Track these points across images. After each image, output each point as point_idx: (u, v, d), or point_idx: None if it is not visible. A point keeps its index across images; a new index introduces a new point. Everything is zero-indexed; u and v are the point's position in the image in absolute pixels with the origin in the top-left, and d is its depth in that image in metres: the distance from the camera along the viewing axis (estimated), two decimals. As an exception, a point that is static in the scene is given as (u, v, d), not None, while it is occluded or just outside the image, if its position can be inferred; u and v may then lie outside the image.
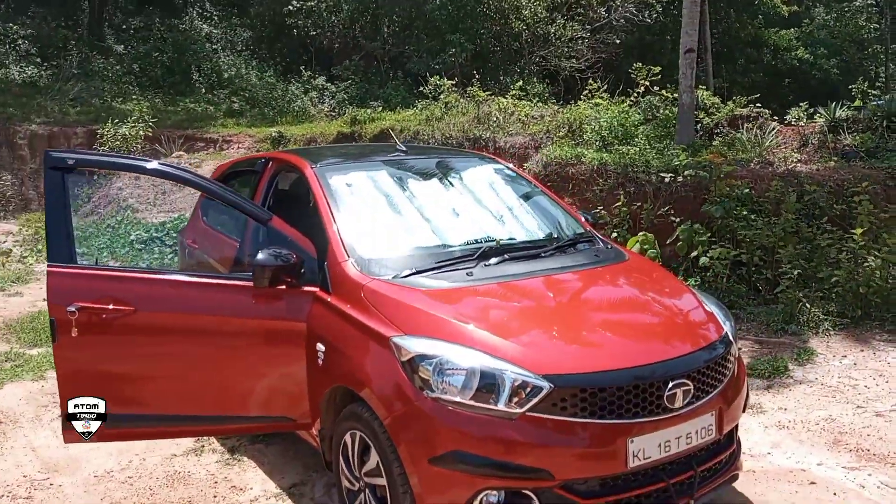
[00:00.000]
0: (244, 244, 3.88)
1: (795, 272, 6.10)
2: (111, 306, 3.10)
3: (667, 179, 7.00)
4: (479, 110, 11.47)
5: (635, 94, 9.87)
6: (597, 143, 8.79)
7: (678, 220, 6.81)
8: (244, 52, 18.31)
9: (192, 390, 3.31)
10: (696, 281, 6.54)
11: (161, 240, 9.05)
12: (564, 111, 10.40)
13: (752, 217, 6.59)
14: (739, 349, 3.40)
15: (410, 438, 2.74)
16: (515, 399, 2.64)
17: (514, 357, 2.71)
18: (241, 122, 14.90)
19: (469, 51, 16.34)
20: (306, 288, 3.27)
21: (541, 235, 3.86)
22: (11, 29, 15.78)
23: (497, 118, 11.12)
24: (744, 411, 3.26)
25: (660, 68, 9.72)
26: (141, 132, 12.61)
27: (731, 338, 3.20)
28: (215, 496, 3.64)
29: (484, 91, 11.66)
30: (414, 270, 3.22)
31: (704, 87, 9.53)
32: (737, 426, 3.22)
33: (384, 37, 18.49)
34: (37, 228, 11.12)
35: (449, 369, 2.69)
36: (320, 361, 3.13)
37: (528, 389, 2.64)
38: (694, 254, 6.58)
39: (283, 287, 3.23)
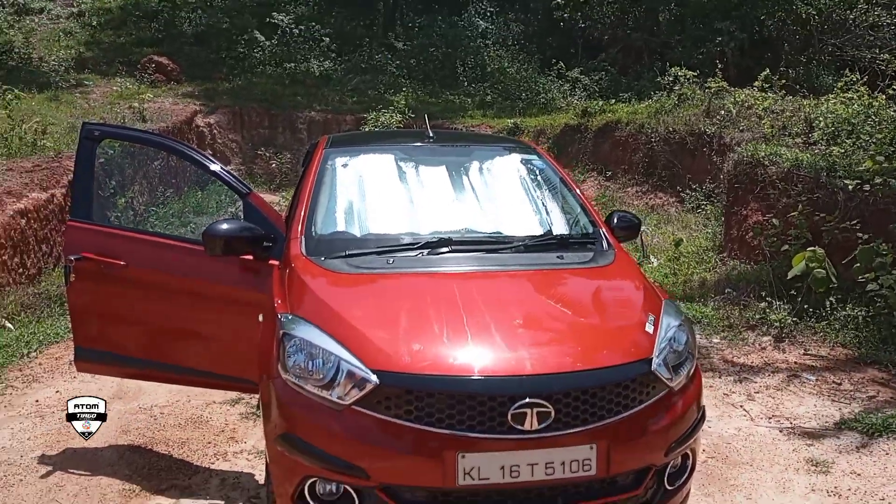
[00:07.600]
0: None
1: None
2: (106, 259, 3.54)
3: (850, 188, 5.75)
4: (710, 103, 10.49)
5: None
6: (823, 143, 7.52)
7: (865, 237, 5.56)
8: (513, 46, 18.80)
9: (174, 342, 3.66)
10: (864, 312, 5.32)
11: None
12: (805, 105, 9.05)
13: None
14: (684, 384, 2.85)
15: (267, 415, 2.80)
16: (347, 390, 2.53)
17: (358, 347, 2.60)
18: (489, 114, 15.38)
19: (738, 40, 14.86)
20: (272, 262, 3.40)
21: (537, 232, 3.55)
22: (314, 27, 18.10)
23: (730, 111, 10.07)
24: (691, 473, 2.85)
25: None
26: (397, 120, 13.79)
27: (655, 366, 2.67)
28: (209, 442, 3.99)
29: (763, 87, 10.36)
30: (345, 253, 3.19)
31: None
32: (666, 472, 2.75)
33: (659, 26, 17.62)
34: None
35: (299, 351, 2.67)
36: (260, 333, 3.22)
37: (357, 381, 2.52)
38: (868, 277, 5.33)
39: (251, 258, 3.38)
